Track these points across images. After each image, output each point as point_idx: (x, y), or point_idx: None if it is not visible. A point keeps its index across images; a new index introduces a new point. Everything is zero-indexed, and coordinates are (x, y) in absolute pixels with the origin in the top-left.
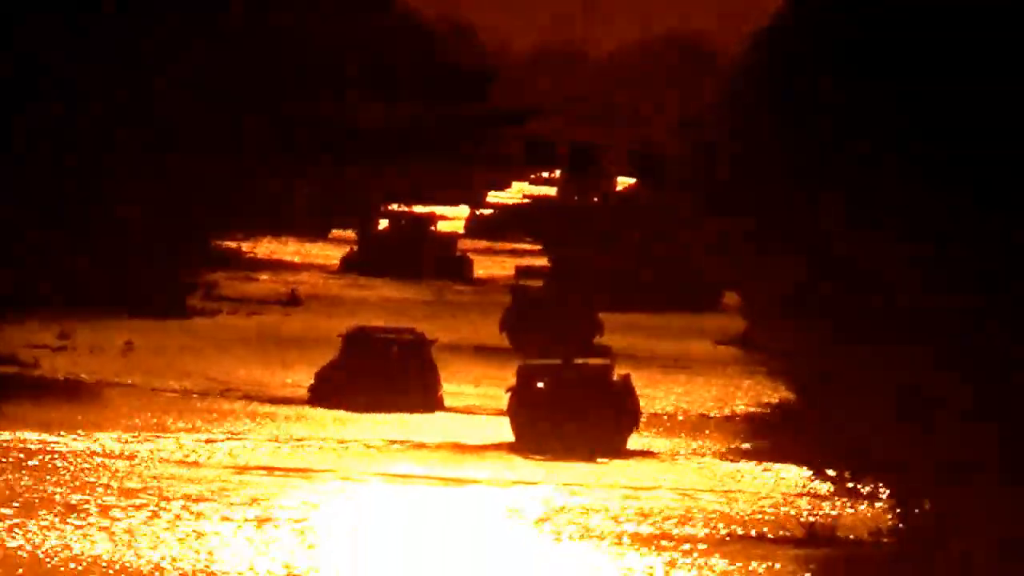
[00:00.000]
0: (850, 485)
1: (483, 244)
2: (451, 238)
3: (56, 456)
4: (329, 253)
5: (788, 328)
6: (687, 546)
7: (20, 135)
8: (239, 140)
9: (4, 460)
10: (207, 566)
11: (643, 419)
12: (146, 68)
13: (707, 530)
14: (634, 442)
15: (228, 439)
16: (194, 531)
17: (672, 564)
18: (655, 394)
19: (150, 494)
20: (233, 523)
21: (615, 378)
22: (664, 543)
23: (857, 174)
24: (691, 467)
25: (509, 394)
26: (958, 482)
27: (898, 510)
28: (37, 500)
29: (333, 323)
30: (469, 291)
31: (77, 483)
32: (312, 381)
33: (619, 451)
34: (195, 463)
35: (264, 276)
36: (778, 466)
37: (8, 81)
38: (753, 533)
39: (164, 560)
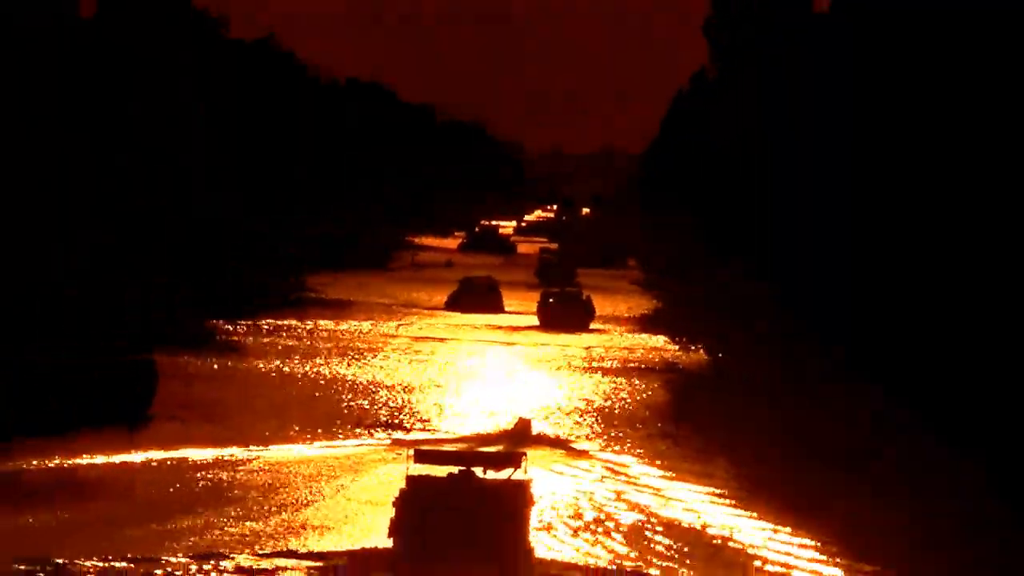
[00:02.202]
0: (689, 345)
1: (523, 239)
2: (508, 236)
3: (329, 333)
4: (452, 243)
5: (667, 278)
6: (608, 372)
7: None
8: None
9: (307, 335)
10: (411, 383)
11: (596, 315)
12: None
13: (617, 364)
14: (592, 326)
15: (408, 325)
16: (398, 365)
17: (597, 381)
18: (601, 305)
19: (375, 349)
20: (415, 363)
21: (584, 297)
22: (599, 373)
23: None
24: (614, 337)
25: (537, 304)
26: (747, 339)
27: (713, 355)
28: (324, 352)
29: (456, 274)
30: (517, 259)
31: (338, 345)
32: (445, 299)
33: (585, 329)
34: (393, 335)
35: (423, 254)
36: (654, 336)
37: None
38: (641, 366)
39: (388, 377)
